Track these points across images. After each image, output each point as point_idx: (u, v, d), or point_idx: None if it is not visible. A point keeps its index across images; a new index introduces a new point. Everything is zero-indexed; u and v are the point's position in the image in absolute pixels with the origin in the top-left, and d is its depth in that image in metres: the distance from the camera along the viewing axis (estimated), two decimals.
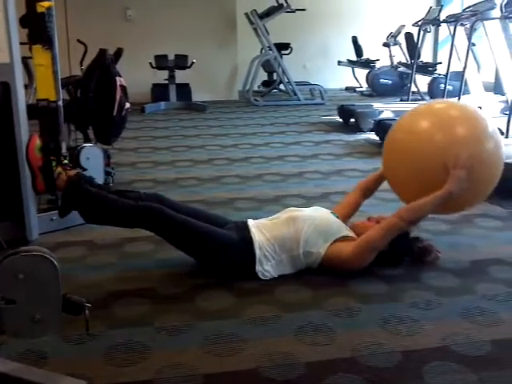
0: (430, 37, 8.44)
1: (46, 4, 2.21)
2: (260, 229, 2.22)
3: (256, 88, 7.67)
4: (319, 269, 2.20)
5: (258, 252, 2.14)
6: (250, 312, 1.92)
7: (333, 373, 1.58)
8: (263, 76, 7.95)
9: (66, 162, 2.44)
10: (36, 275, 1.37)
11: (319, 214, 2.30)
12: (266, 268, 2.16)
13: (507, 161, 3.22)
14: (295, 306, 1.96)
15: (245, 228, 2.23)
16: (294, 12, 7.33)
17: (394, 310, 1.93)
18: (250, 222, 2.27)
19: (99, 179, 2.75)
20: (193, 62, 6.60)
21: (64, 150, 2.60)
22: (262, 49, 7.48)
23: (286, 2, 7.16)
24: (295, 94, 7.24)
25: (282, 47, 7.62)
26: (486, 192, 2.30)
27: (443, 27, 7.41)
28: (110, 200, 2.20)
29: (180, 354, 1.67)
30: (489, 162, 2.20)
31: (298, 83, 7.41)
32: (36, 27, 2.08)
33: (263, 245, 2.16)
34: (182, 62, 6.66)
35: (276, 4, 7.23)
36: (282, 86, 7.64)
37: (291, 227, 2.19)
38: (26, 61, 3.82)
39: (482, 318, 1.88)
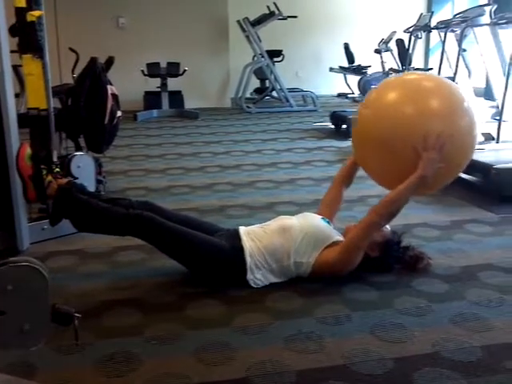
0: (421, 43, 8.49)
1: (36, 13, 2.21)
2: (251, 237, 2.21)
3: (248, 95, 7.69)
4: (310, 276, 2.20)
5: (248, 260, 2.14)
6: (240, 320, 1.92)
7: (324, 381, 1.58)
8: (255, 83, 7.98)
9: (57, 170, 2.44)
10: (25, 286, 1.36)
11: (309, 222, 2.28)
12: (257, 276, 2.16)
13: (497, 166, 3.25)
14: (285, 314, 1.96)
15: (236, 236, 2.23)
16: (285, 19, 7.37)
17: (384, 317, 1.93)
18: (242, 230, 2.27)
19: (91, 187, 2.75)
20: (185, 70, 6.61)
21: (55, 159, 2.60)
22: (254, 56, 7.51)
23: (278, 10, 7.19)
24: (287, 101, 7.27)
25: (274, 54, 7.65)
26: (459, 169, 2.21)
27: (434, 33, 7.46)
28: (100, 208, 2.19)
29: (170, 364, 1.67)
30: (462, 139, 2.08)
31: (291, 90, 7.44)
32: (26, 36, 2.08)
33: (254, 253, 2.16)
34: (174, 69, 6.68)
35: (268, 11, 7.26)
36: (274, 93, 7.67)
37: (282, 237, 2.19)
38: (17, 69, 3.82)
39: (472, 323, 1.88)
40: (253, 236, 2.22)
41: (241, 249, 2.16)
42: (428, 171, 2.02)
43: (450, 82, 2.23)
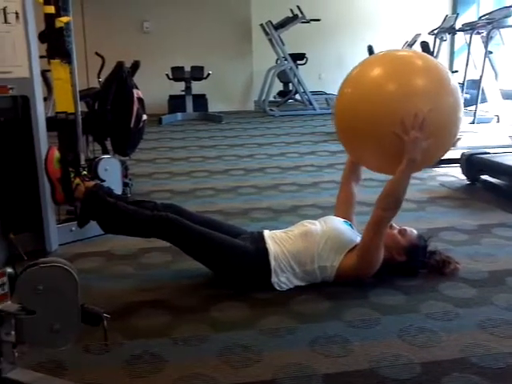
0: (446, 45, 8.40)
1: (64, 19, 2.25)
2: (275, 240, 2.22)
3: (272, 98, 7.69)
4: (335, 281, 2.19)
5: (273, 263, 2.14)
6: (266, 323, 1.92)
7: None
8: (279, 86, 7.99)
9: (84, 173, 2.48)
10: (55, 286, 1.39)
11: (331, 225, 2.27)
12: (282, 279, 2.16)
13: None
14: (311, 317, 1.96)
15: (260, 239, 2.23)
16: (308, 22, 7.37)
17: (412, 321, 1.91)
18: (266, 233, 2.28)
19: (117, 190, 2.78)
20: (209, 73, 6.65)
21: (82, 162, 2.64)
22: (277, 59, 7.52)
23: (301, 13, 7.19)
24: (311, 104, 7.26)
25: (298, 57, 7.65)
26: (449, 141, 2.10)
27: (459, 35, 7.38)
28: (127, 210, 2.22)
29: (196, 365, 1.67)
30: (444, 113, 1.97)
31: (314, 93, 7.43)
32: (54, 42, 2.12)
33: (278, 256, 2.16)
34: (198, 73, 6.73)
35: (291, 15, 7.27)
36: (297, 96, 7.67)
37: (305, 242, 2.19)
38: (45, 74, 3.88)
39: (501, 329, 1.85)
40: (277, 240, 2.22)
41: (265, 252, 2.17)
42: (415, 153, 1.94)
43: (435, 60, 2.15)
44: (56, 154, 2.36)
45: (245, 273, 2.17)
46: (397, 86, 1.99)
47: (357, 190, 2.47)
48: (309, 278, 2.18)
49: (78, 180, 2.33)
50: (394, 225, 2.31)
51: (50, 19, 2.12)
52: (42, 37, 2.19)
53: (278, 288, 2.15)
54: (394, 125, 1.93)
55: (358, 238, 2.22)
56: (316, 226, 2.26)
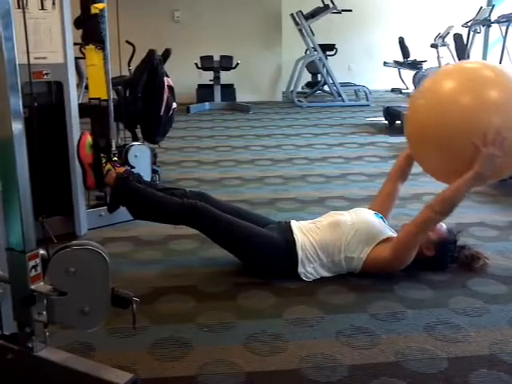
0: (479, 38, 8.22)
1: (100, 6, 2.27)
2: (303, 231, 2.21)
3: (300, 89, 7.65)
4: (362, 273, 2.18)
5: (300, 253, 2.14)
6: (292, 312, 1.92)
7: (376, 377, 1.57)
8: (307, 77, 7.93)
9: (115, 159, 2.50)
10: (86, 269, 1.41)
11: (361, 217, 2.26)
12: (308, 270, 2.15)
13: None
14: (337, 308, 1.95)
15: (288, 229, 2.23)
16: (340, 13, 7.28)
17: (439, 316, 1.89)
18: (293, 224, 2.27)
19: (146, 177, 2.81)
20: (237, 63, 6.64)
21: (113, 148, 2.66)
22: (306, 50, 7.46)
23: (333, 3, 7.11)
24: (339, 95, 7.19)
25: (327, 48, 7.57)
26: None
27: (494, 28, 7.21)
28: (156, 197, 2.24)
29: (222, 352, 1.69)
30: None
31: (343, 84, 7.35)
32: (90, 28, 2.14)
33: (306, 247, 2.16)
34: (226, 62, 6.72)
35: (322, 5, 7.20)
36: (326, 87, 7.60)
37: (333, 232, 2.18)
38: (76, 61, 3.92)
39: None
40: (304, 230, 2.22)
41: (293, 242, 2.16)
42: (486, 168, 1.95)
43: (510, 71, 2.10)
44: (88, 139, 2.39)
45: (272, 262, 2.18)
46: (475, 99, 1.96)
47: (401, 188, 2.45)
48: (335, 269, 2.18)
49: (109, 166, 2.36)
50: None
51: (85, 5, 2.14)
52: (78, 22, 2.21)
53: (304, 278, 2.15)
54: (473, 135, 1.92)
55: (389, 232, 2.21)
56: (345, 216, 2.25)
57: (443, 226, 2.24)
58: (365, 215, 2.29)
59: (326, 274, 2.18)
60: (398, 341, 1.74)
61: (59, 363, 1.47)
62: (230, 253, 2.24)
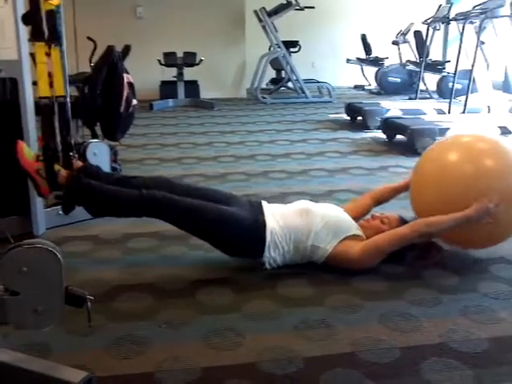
0: (439, 35, 8.39)
1: (55, 2, 2.23)
2: (274, 215, 2.22)
3: (264, 86, 7.67)
4: (322, 265, 2.21)
5: (268, 237, 2.15)
6: (251, 307, 1.94)
7: (331, 367, 1.60)
8: (271, 74, 7.96)
9: (71, 154, 2.42)
10: (39, 267, 1.40)
11: (332, 210, 2.31)
12: (274, 255, 2.16)
13: None
14: (296, 302, 1.98)
15: (259, 211, 2.23)
16: (302, 10, 7.33)
17: (394, 307, 1.94)
18: (265, 206, 2.28)
19: None
20: (201, 60, 6.62)
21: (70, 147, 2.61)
22: (270, 46, 7.49)
23: (295, 0, 7.16)
24: (303, 92, 7.24)
25: (291, 45, 7.62)
26: (509, 233, 2.29)
27: (453, 25, 7.37)
28: (113, 193, 2.17)
29: (180, 348, 1.70)
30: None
31: (306, 81, 7.41)
32: (39, 25, 2.10)
33: (275, 231, 2.16)
34: (190, 59, 6.69)
35: (285, 2, 7.23)
36: (290, 84, 7.65)
37: (303, 219, 2.20)
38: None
39: (481, 315, 1.89)
40: (276, 214, 2.22)
41: (263, 223, 2.17)
42: (475, 215, 2.09)
43: (504, 142, 2.35)
44: (24, 146, 2.25)
45: (240, 242, 2.17)
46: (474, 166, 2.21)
47: (372, 209, 2.55)
48: (300, 257, 2.20)
49: (57, 166, 2.26)
50: (375, 214, 2.35)
51: (34, 0, 2.09)
52: (26, 19, 2.16)
53: (267, 265, 2.17)
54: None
55: (357, 230, 2.25)
56: (317, 207, 2.29)
57: (395, 216, 2.30)
58: (335, 209, 2.34)
59: (289, 260, 2.19)
60: (353, 332, 1.78)
61: (12, 364, 1.45)
62: (198, 237, 2.22)
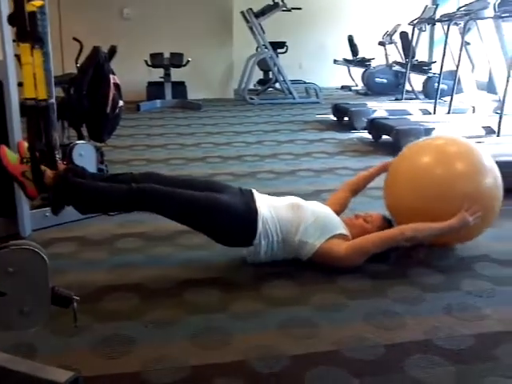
0: (425, 36, 8.47)
1: (37, 3, 2.21)
2: (266, 204, 2.24)
3: (251, 86, 7.69)
4: (307, 264, 2.23)
5: (260, 225, 2.16)
6: (237, 307, 1.96)
7: (317, 365, 1.62)
8: (259, 74, 7.98)
9: (58, 157, 2.41)
10: (25, 268, 1.40)
11: (321, 208, 2.34)
12: (263, 243, 2.17)
13: (497, 159, 3.26)
14: (281, 301, 2.00)
15: (251, 198, 2.25)
16: (289, 11, 7.36)
17: (378, 305, 1.97)
18: (256, 193, 2.29)
19: None
20: (188, 61, 6.62)
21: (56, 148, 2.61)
22: (257, 47, 7.51)
23: (282, 1, 7.18)
24: (290, 93, 7.27)
25: (278, 46, 7.64)
26: (486, 225, 2.36)
27: (439, 26, 7.43)
28: (102, 189, 2.16)
29: (167, 347, 1.70)
30: (488, 196, 2.28)
31: (294, 82, 7.43)
32: (24, 26, 2.09)
33: (267, 221, 2.17)
34: (177, 60, 6.68)
35: (272, 3, 7.25)
36: (277, 85, 7.67)
37: (294, 213, 2.22)
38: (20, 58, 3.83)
39: (465, 313, 1.92)
40: (266, 202, 2.24)
41: (255, 211, 2.18)
42: (458, 226, 2.18)
43: (473, 145, 2.43)
44: (6, 150, 2.22)
45: (232, 228, 2.17)
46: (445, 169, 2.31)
47: (350, 200, 2.62)
48: (285, 252, 2.22)
49: (42, 167, 2.24)
50: (358, 213, 2.38)
51: (18, 1, 2.07)
52: (11, 20, 2.14)
53: (252, 257, 2.20)
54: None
55: (344, 230, 2.27)
56: (307, 203, 2.31)
57: (378, 214, 2.33)
58: (324, 207, 2.37)
59: (274, 254, 2.21)
60: (338, 330, 1.80)
61: None
62: (190, 227, 2.21)
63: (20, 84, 2.45)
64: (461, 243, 2.45)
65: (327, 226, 2.23)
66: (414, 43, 7.25)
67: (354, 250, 2.18)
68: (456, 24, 5.88)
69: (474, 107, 5.69)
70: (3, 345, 1.62)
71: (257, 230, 2.15)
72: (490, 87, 6.79)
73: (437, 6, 7.31)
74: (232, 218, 2.17)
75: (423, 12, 7.18)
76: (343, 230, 2.27)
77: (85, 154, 2.83)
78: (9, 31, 2.34)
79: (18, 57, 2.49)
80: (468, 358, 1.66)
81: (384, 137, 4.69)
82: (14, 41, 2.36)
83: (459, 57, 5.34)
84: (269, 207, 2.22)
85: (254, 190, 2.33)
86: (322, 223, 2.22)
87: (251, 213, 2.17)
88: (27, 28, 2.05)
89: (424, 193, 2.28)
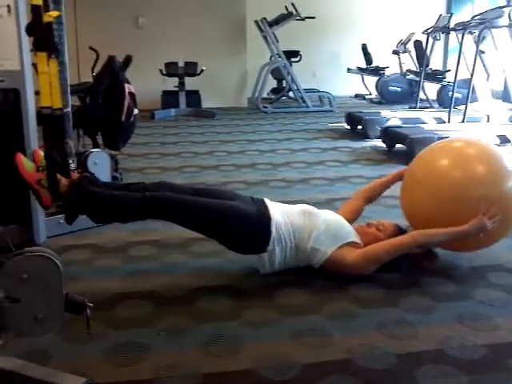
0: (440, 44, 8.44)
1: (54, 14, 2.25)
2: (278, 210, 2.24)
3: (265, 95, 7.72)
4: (319, 273, 2.23)
5: (274, 230, 2.16)
6: (249, 315, 1.96)
7: (329, 374, 1.61)
8: (272, 83, 8.01)
9: (72, 166, 2.45)
10: (39, 275, 1.42)
11: (333, 216, 2.34)
12: (277, 250, 2.17)
13: None
14: (294, 310, 2.00)
15: (263, 206, 2.25)
16: (303, 20, 7.39)
17: (391, 315, 1.96)
18: (267, 201, 2.30)
19: None
20: (202, 69, 6.67)
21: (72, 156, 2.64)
22: (271, 56, 7.55)
23: (296, 10, 7.22)
24: (304, 102, 7.28)
25: (292, 55, 7.67)
26: (506, 231, 2.32)
27: (454, 35, 7.41)
28: (116, 197, 2.17)
29: (179, 355, 1.71)
30: (508, 199, 2.21)
31: (307, 90, 7.45)
32: (41, 35, 2.13)
33: (280, 226, 2.18)
34: (191, 69, 6.74)
35: (285, 12, 7.29)
36: (291, 93, 7.69)
37: (306, 220, 2.23)
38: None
39: (477, 323, 1.90)
40: (280, 211, 2.24)
41: (268, 218, 2.18)
42: (474, 231, 2.13)
43: (493, 147, 2.40)
44: (23, 158, 2.24)
45: (246, 235, 2.17)
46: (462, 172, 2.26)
47: (364, 209, 2.60)
48: (297, 260, 2.22)
49: (57, 176, 2.25)
50: (371, 222, 2.37)
51: (36, 11, 2.11)
52: (29, 29, 2.19)
53: (267, 265, 2.19)
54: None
55: (356, 238, 2.27)
56: (318, 211, 2.32)
57: (391, 223, 2.32)
58: (336, 215, 2.37)
59: (287, 261, 2.21)
60: (350, 339, 1.80)
61: (14, 371, 1.47)
62: (203, 234, 2.22)
63: (37, 93, 2.49)
64: (478, 249, 2.38)
65: (339, 234, 2.23)
66: (428, 52, 7.24)
67: (366, 257, 2.17)
68: (470, 33, 5.86)
69: (488, 116, 5.65)
70: (17, 351, 1.64)
71: (270, 236, 2.15)
72: (505, 96, 6.75)
73: (451, 14, 7.30)
74: (246, 225, 2.17)
75: (437, 21, 7.16)
76: (355, 238, 2.26)
77: (99, 162, 2.86)
78: (26, 41, 2.38)
79: (34, 66, 2.54)
80: (481, 368, 1.64)
81: (398, 145, 4.68)
82: (31, 50, 2.40)
83: (474, 65, 5.32)
84: (282, 213, 2.23)
85: (265, 199, 2.34)
86: (333, 231, 2.22)
87: (264, 218, 2.18)
88: (44, 38, 2.09)
89: (442, 196, 2.22)
